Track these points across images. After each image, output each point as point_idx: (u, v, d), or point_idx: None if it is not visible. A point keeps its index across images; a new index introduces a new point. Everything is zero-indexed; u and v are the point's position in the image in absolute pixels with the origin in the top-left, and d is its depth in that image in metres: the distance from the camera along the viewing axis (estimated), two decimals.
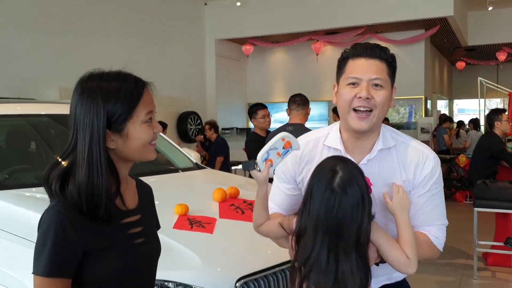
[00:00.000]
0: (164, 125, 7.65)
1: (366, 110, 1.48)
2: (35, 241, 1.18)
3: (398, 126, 10.49)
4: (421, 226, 1.57)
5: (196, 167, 3.57)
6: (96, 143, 1.20)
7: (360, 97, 1.48)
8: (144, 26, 8.87)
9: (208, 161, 7.23)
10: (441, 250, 1.60)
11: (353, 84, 1.50)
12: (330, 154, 1.55)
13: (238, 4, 9.91)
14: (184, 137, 9.72)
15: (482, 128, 10.78)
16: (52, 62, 7.12)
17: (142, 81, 1.30)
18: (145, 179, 3.07)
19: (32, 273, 1.16)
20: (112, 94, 1.22)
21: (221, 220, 2.29)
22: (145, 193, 1.45)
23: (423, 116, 10.89)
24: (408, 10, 8.83)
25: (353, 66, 1.52)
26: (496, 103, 14.82)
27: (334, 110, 5.87)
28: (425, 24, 9.84)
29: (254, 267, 1.98)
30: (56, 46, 7.14)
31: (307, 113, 4.09)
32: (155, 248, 1.40)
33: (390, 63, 1.54)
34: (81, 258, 1.18)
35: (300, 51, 11.39)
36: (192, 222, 2.22)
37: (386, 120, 8.47)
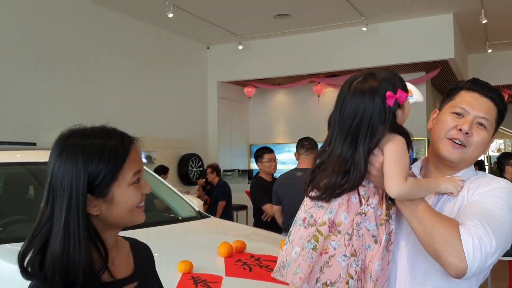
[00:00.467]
0: (165, 169, 7.55)
1: (461, 144, 1.40)
2: None
3: None
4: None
5: (199, 215, 3.45)
6: (74, 210, 1.05)
7: (460, 130, 1.40)
8: (146, 70, 8.91)
9: (210, 205, 7.09)
10: (468, 264, 1.16)
11: (458, 114, 1.43)
12: None
13: (240, 47, 10.01)
14: (185, 180, 9.59)
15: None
16: (54, 106, 7.09)
17: (129, 137, 1.17)
18: (145, 230, 2.96)
19: None
20: (95, 154, 1.08)
21: (227, 279, 2.15)
22: (143, 256, 1.30)
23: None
24: (408, 53, 8.89)
25: (465, 97, 1.45)
26: (499, 144, 14.77)
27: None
28: (426, 66, 9.89)
29: None
30: (58, 90, 7.13)
31: (317, 157, 4.00)
32: None
33: (502, 110, 1.46)
34: None
35: (301, 93, 11.42)
36: (196, 282, 2.08)
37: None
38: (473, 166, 1.50)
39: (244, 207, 8.54)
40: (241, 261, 2.34)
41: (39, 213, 1.10)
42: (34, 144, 6.08)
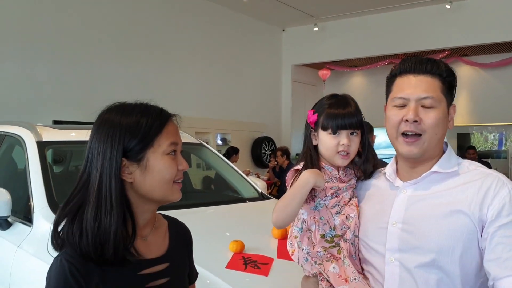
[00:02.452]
0: (236, 151, 7.66)
1: (415, 134, 1.28)
2: None
3: (486, 155, 9.73)
4: (497, 281, 1.17)
5: (261, 197, 3.44)
6: (107, 174, 1.07)
7: (407, 120, 1.28)
8: (222, 54, 9.03)
9: (279, 188, 7.10)
10: None
11: (399, 106, 1.31)
12: (383, 181, 1.43)
13: (316, 29, 9.82)
14: (258, 162, 9.68)
15: None
16: (134, 90, 7.39)
17: (167, 112, 1.18)
18: (204, 209, 3.00)
19: None
20: (132, 125, 1.10)
21: (278, 261, 2.11)
22: (180, 237, 1.29)
23: None
24: (497, 32, 8.23)
25: (400, 85, 1.32)
26: None
27: None
28: None
29: None
30: (137, 75, 7.43)
31: (371, 141, 3.87)
32: None
33: (445, 78, 1.31)
34: None
35: (379, 76, 11.01)
36: (246, 262, 2.07)
37: (472, 149, 7.84)
38: (451, 152, 1.35)
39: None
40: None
41: (76, 180, 1.13)
42: None
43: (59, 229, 1.11)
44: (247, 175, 3.78)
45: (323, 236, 1.40)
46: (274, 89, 10.57)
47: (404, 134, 1.31)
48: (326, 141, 1.43)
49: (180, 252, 1.27)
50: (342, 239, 1.41)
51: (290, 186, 1.40)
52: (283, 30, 10.64)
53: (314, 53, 10.26)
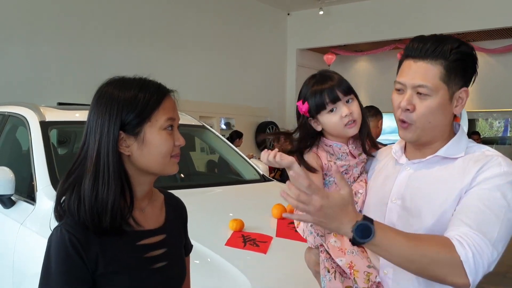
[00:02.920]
0: (239, 135, 7.67)
1: (407, 122, 1.28)
2: (43, 261, 1.10)
3: (491, 141, 9.70)
4: (458, 227, 1.14)
5: (263, 179, 3.46)
6: (105, 146, 1.09)
7: (400, 107, 1.27)
8: (226, 37, 9.00)
9: (282, 172, 7.11)
10: (470, 279, 1.06)
11: (398, 90, 1.30)
12: (391, 158, 1.42)
13: (321, 13, 9.75)
14: (262, 147, 9.69)
15: None
16: (139, 72, 7.29)
17: (165, 88, 1.19)
18: (206, 189, 3.03)
19: None
20: (130, 99, 1.12)
21: (277, 239, 2.14)
22: (176, 210, 1.31)
23: None
24: (503, 17, 8.14)
25: (403, 69, 1.29)
26: None
27: None
28: None
29: None
30: (142, 57, 7.42)
31: (377, 126, 3.86)
32: (178, 274, 1.27)
33: (451, 62, 1.24)
34: (91, 282, 1.09)
35: (384, 61, 10.96)
36: (246, 240, 2.10)
37: (476, 135, 7.82)
38: (462, 136, 1.32)
39: None
40: (293, 223, 2.32)
41: (77, 153, 1.15)
42: None
43: (61, 201, 1.13)
44: (250, 159, 3.80)
45: None
46: (279, 74, 10.54)
47: (400, 121, 1.31)
48: (329, 120, 1.42)
49: (176, 224, 1.30)
50: None
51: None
52: (288, 14, 10.58)
53: (319, 37, 10.20)
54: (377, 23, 9.34)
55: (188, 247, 1.36)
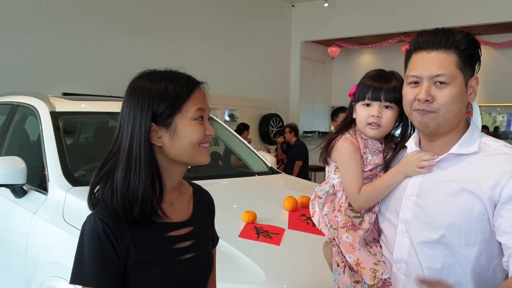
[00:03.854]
0: (246, 127, 7.68)
1: (428, 110, 1.28)
2: (76, 248, 1.12)
3: (494, 135, 9.70)
4: (509, 256, 1.17)
5: (271, 171, 3.47)
6: (137, 137, 1.12)
7: (419, 100, 1.27)
8: (230, 28, 8.97)
9: (287, 165, 7.13)
10: None
11: (414, 83, 1.30)
12: (404, 153, 1.44)
13: (326, 5, 9.71)
14: (265, 139, 9.71)
15: None
16: (143, 62, 7.26)
17: (195, 80, 1.21)
18: (217, 181, 3.05)
19: (74, 283, 1.10)
20: (160, 91, 1.14)
21: (289, 231, 2.15)
22: (203, 203, 1.34)
23: None
24: (509, 10, 8.11)
25: (414, 62, 1.30)
26: None
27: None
28: None
29: (323, 286, 1.82)
30: (148, 47, 7.41)
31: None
32: (206, 265, 1.29)
33: (463, 50, 1.26)
34: (123, 270, 1.11)
35: (389, 54, 10.93)
36: (259, 232, 2.11)
37: (485, 129, 7.81)
38: (474, 130, 1.32)
39: (322, 169, 8.50)
40: (305, 215, 2.33)
41: (110, 145, 1.18)
42: None
43: (95, 190, 1.16)
44: (249, 142, 3.78)
45: (350, 204, 1.44)
46: (283, 66, 10.52)
47: (417, 110, 1.30)
48: (359, 112, 1.46)
49: (204, 217, 1.33)
50: (370, 211, 1.43)
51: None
52: (293, 6, 10.54)
53: (323, 29, 10.17)
54: (382, 15, 9.31)
55: (215, 239, 1.38)
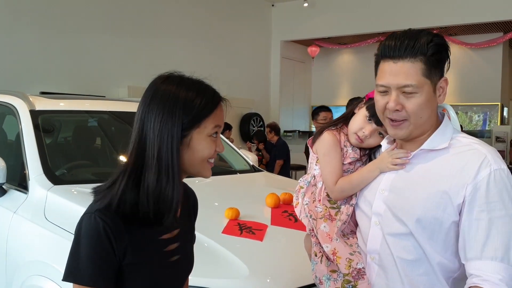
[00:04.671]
0: (229, 127, 7.67)
1: (399, 120, 1.31)
2: (72, 245, 1.11)
3: (470, 134, 9.88)
4: (470, 262, 1.21)
5: (253, 169, 3.49)
6: (168, 145, 1.11)
7: (389, 109, 1.30)
8: (210, 28, 8.96)
9: (268, 164, 7.15)
10: None
11: (382, 92, 1.32)
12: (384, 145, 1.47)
13: (305, 5, 9.78)
14: (246, 138, 9.72)
15: None
16: (122, 62, 7.33)
17: (219, 96, 1.22)
18: (200, 179, 3.05)
19: (69, 281, 1.09)
20: (188, 102, 1.13)
21: (272, 227, 2.18)
22: (189, 204, 1.35)
23: (499, 124, 10.21)
24: (485, 11, 8.29)
25: (382, 71, 1.31)
26: None
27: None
28: (504, 26, 9.22)
29: (305, 280, 1.85)
30: (126, 47, 7.36)
31: None
32: (189, 265, 1.31)
33: (430, 56, 1.26)
34: (118, 270, 1.11)
35: (368, 53, 11.01)
36: (242, 228, 2.13)
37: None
38: (447, 126, 1.35)
39: (302, 167, 8.57)
40: (287, 212, 2.36)
41: (131, 145, 1.16)
42: (103, 97, 6.36)
43: (96, 187, 1.16)
44: (231, 142, 3.80)
45: (328, 195, 1.49)
46: (263, 65, 10.55)
47: (389, 119, 1.34)
48: (357, 120, 1.53)
49: (188, 218, 1.34)
50: (347, 203, 1.48)
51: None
52: (273, 5, 10.57)
53: (303, 29, 10.24)
54: (361, 16, 9.41)
55: (193, 239, 1.40)
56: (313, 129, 11.13)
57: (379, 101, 1.33)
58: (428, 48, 1.25)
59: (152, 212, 1.10)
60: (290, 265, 1.94)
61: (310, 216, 1.49)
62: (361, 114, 1.50)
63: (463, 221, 1.24)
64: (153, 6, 7.82)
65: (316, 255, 1.49)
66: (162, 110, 1.12)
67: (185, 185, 1.37)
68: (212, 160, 1.21)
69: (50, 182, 2.45)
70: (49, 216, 2.23)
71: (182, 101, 1.13)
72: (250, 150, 7.54)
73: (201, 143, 1.15)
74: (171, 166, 1.11)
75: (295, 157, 8.06)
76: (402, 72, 1.26)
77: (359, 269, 1.41)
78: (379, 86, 1.31)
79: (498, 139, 9.76)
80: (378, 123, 1.43)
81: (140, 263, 1.13)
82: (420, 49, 1.25)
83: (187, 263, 1.30)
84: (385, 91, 1.30)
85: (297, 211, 1.56)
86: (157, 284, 1.17)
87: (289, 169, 7.30)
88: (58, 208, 2.29)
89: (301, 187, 1.56)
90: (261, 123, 9.88)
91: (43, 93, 5.86)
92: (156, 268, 1.17)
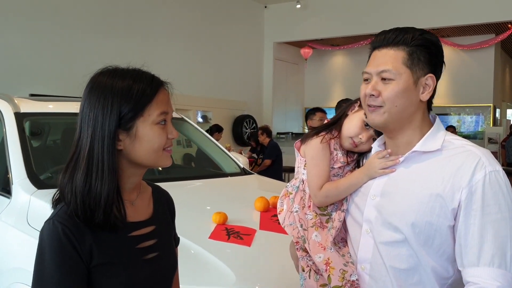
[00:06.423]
0: (220, 128, 7.63)
1: (375, 106, 1.29)
2: (36, 254, 1.07)
3: (463, 136, 9.93)
4: (467, 269, 1.19)
5: (243, 172, 3.44)
6: (99, 140, 1.07)
7: (366, 94, 1.29)
8: (203, 29, 8.92)
9: (260, 166, 7.12)
10: None
11: (366, 80, 1.32)
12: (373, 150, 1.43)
13: (298, 6, 9.76)
14: (239, 140, 9.68)
15: None
16: (113, 64, 7.24)
17: (159, 80, 1.16)
18: (188, 182, 3.01)
19: None
20: (123, 91, 1.09)
21: (260, 232, 2.13)
22: (163, 202, 1.30)
23: (491, 125, 10.23)
24: (477, 13, 8.31)
25: (369, 60, 1.33)
26: None
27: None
28: (496, 28, 9.25)
29: (294, 286, 1.81)
30: (117, 49, 7.29)
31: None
32: (171, 264, 1.26)
33: (414, 46, 1.25)
34: (86, 273, 1.07)
35: (360, 55, 11.02)
36: (229, 233, 2.08)
37: (451, 128, 7.97)
38: (436, 127, 1.32)
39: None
40: (277, 216, 2.31)
41: (73, 145, 1.12)
42: None
43: (55, 193, 1.13)
44: (228, 150, 3.77)
45: None
46: (256, 67, 10.52)
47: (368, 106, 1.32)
48: (350, 125, 1.48)
49: (164, 216, 1.29)
50: (339, 209, 1.42)
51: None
52: (266, 7, 10.56)
53: (296, 31, 10.22)
54: (353, 17, 9.42)
55: (176, 239, 1.35)
56: (306, 130, 11.12)
57: (362, 90, 1.33)
58: (413, 40, 1.26)
59: (82, 212, 1.05)
60: (278, 271, 1.89)
61: (301, 226, 1.42)
62: (357, 118, 1.45)
63: (459, 226, 1.20)
64: (144, 8, 7.77)
65: (303, 270, 1.42)
66: (95, 104, 1.09)
67: (156, 185, 1.34)
68: (169, 148, 1.16)
69: (34, 187, 2.39)
70: (32, 222, 2.17)
71: (119, 91, 1.09)
72: (241, 152, 7.50)
73: (148, 133, 1.10)
74: (101, 162, 1.06)
75: (288, 159, 8.01)
76: (382, 58, 1.28)
77: (353, 281, 1.34)
78: (363, 74, 1.33)
79: (491, 141, 9.77)
80: (376, 130, 1.40)
81: (110, 263, 1.09)
82: (403, 39, 1.27)
83: (168, 262, 1.25)
84: (367, 79, 1.31)
85: (280, 218, 1.50)
86: (135, 283, 1.13)
87: (281, 171, 7.27)
88: (42, 213, 2.22)
89: (290, 193, 1.50)
90: (254, 125, 9.85)
91: (32, 95, 5.79)
92: (130, 266, 1.12)
